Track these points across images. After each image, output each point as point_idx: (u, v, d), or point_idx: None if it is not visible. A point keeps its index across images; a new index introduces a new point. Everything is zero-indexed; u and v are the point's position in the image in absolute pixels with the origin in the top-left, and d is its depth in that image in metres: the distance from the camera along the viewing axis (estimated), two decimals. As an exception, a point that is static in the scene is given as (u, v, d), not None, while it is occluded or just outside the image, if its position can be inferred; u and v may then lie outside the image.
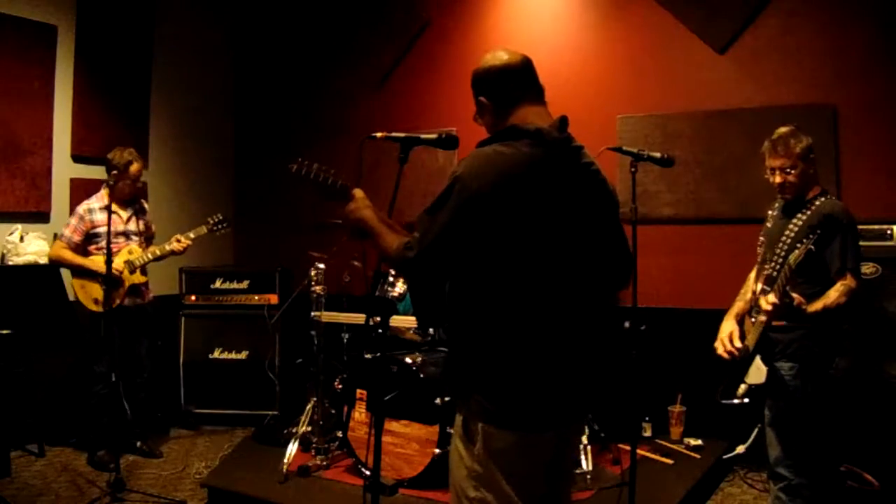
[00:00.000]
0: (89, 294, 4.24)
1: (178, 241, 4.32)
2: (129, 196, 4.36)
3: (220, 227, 4.48)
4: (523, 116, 1.92)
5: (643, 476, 3.37)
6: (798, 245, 2.64)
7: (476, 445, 1.81)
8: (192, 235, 4.38)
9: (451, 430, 3.44)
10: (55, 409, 4.68)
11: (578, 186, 1.89)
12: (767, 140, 2.93)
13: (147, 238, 4.49)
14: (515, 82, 1.96)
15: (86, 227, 4.23)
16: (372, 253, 2.05)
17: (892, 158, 4.09)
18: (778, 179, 2.88)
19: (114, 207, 4.19)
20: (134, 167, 4.26)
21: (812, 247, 2.60)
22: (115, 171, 4.20)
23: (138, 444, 4.44)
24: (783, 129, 2.91)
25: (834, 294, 2.70)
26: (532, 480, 1.84)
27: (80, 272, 4.24)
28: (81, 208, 4.27)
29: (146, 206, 4.57)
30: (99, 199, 4.30)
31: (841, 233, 2.73)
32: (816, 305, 2.69)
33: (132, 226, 4.38)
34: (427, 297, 2.06)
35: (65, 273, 4.23)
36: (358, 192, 2.02)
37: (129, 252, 4.29)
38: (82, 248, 4.25)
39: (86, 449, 4.39)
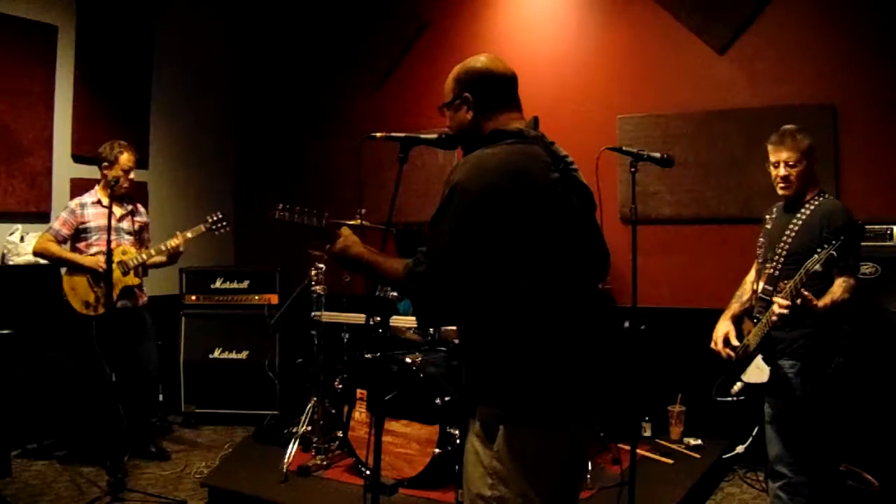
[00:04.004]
0: (79, 296, 4.13)
1: (176, 237, 4.23)
2: (121, 189, 4.20)
3: (218, 225, 4.36)
4: (503, 121, 1.96)
5: (643, 476, 3.37)
6: (818, 251, 2.65)
7: (496, 443, 1.82)
8: (189, 234, 4.28)
9: (452, 430, 3.49)
10: (56, 409, 4.68)
11: (564, 179, 1.92)
12: (774, 135, 2.95)
13: (141, 240, 4.42)
14: (506, 90, 2.01)
15: (76, 222, 4.16)
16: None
17: (892, 158, 4.09)
18: (782, 172, 2.90)
19: (106, 202, 4.10)
20: (124, 157, 4.17)
21: (834, 253, 2.62)
22: (105, 164, 4.18)
23: (151, 447, 4.43)
24: (789, 126, 2.94)
25: (838, 290, 2.74)
26: (550, 478, 1.85)
27: (71, 272, 4.15)
28: (73, 203, 4.23)
29: (143, 209, 4.52)
30: (92, 195, 4.26)
31: (847, 235, 2.75)
32: (825, 300, 2.72)
33: (125, 224, 4.28)
34: (434, 307, 2.07)
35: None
36: (344, 230, 2.04)
37: (122, 252, 4.16)
38: (71, 243, 4.19)
39: (83, 458, 4.36)
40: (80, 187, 4.97)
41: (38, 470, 4.21)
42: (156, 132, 5.61)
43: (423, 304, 2.13)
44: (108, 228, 3.73)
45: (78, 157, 5.05)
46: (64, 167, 4.97)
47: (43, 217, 4.82)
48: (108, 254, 3.68)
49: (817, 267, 2.63)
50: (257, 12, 6.17)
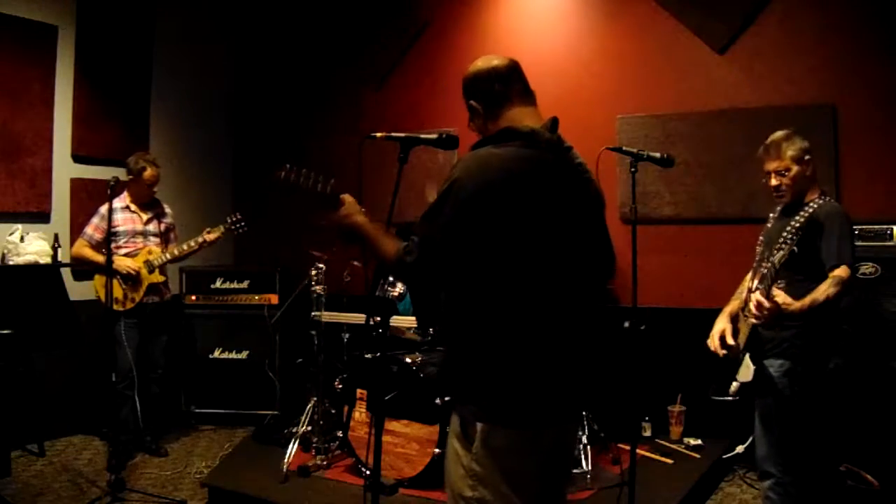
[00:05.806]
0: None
1: (196, 240, 4.47)
2: (146, 199, 4.51)
3: (238, 226, 4.62)
4: (515, 118, 1.94)
5: (643, 476, 3.37)
6: (783, 246, 2.65)
7: (474, 445, 1.82)
8: (211, 236, 4.52)
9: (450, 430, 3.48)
10: (56, 408, 4.68)
11: (570, 186, 1.91)
12: (763, 145, 2.95)
13: (167, 240, 4.63)
14: (504, 84, 1.97)
15: (106, 226, 4.26)
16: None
17: (892, 158, 4.09)
18: (773, 182, 2.92)
19: (134, 208, 4.48)
20: (147, 173, 4.42)
21: (795, 248, 2.61)
22: (130, 176, 4.43)
23: (147, 438, 4.49)
24: (778, 133, 2.94)
25: (823, 287, 2.69)
26: (530, 479, 1.85)
27: (102, 271, 4.31)
28: (104, 208, 4.35)
29: (169, 211, 4.68)
30: (121, 200, 4.46)
31: (834, 229, 2.74)
32: (804, 302, 2.68)
33: (151, 227, 4.53)
34: (427, 299, 2.07)
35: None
36: (347, 197, 2.04)
37: (148, 252, 4.43)
38: (104, 246, 4.31)
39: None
40: (80, 187, 5.00)
41: (38, 470, 4.21)
42: (156, 132, 5.60)
43: (413, 292, 2.14)
44: (108, 230, 3.98)
45: (78, 157, 5.05)
46: (64, 167, 4.97)
47: (43, 217, 4.82)
48: (108, 254, 3.88)
49: (785, 258, 2.61)
50: (257, 12, 6.17)
